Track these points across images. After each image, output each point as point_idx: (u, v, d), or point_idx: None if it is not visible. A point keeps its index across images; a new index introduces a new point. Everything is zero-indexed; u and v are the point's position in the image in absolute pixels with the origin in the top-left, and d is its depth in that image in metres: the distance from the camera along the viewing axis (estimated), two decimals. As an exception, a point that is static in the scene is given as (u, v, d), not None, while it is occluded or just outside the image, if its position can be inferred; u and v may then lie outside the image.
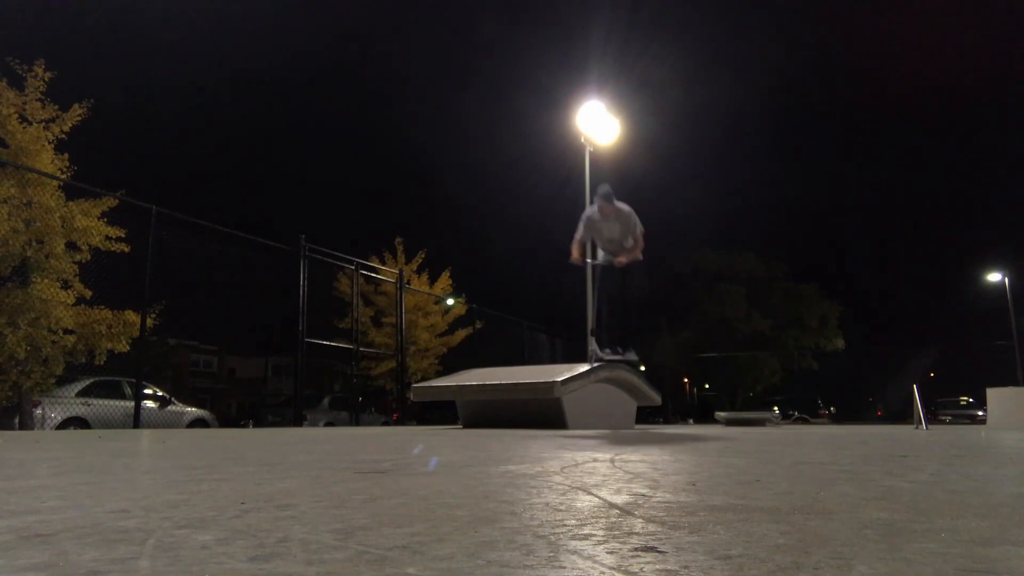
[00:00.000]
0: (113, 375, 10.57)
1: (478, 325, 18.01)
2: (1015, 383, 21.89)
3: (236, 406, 38.03)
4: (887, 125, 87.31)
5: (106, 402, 10.12)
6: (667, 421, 27.98)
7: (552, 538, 0.89)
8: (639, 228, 6.42)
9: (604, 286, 6.66)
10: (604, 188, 6.39)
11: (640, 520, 1.05)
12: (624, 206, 6.39)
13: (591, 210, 6.51)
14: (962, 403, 28.45)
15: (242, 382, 42.79)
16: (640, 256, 6.56)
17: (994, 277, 29.28)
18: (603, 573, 0.71)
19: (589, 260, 6.87)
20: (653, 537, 0.90)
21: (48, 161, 9.57)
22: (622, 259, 6.36)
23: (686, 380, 42.14)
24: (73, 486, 1.52)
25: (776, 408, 23.89)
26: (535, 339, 20.69)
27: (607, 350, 6.57)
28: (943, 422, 24.04)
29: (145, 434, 5.50)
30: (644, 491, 1.43)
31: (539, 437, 4.41)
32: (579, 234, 6.55)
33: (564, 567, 0.73)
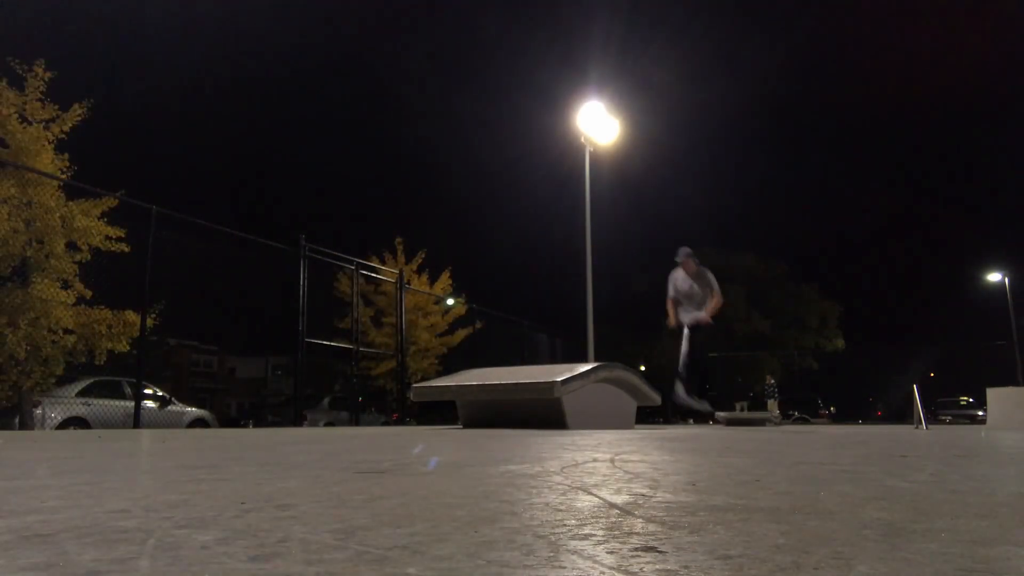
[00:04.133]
0: (113, 375, 10.57)
1: (478, 325, 18.01)
2: (1015, 383, 21.89)
3: (236, 406, 38.04)
4: (888, 124, 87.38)
5: (106, 402, 10.12)
6: (667, 421, 27.96)
7: (552, 538, 0.89)
8: (715, 285, 7.44)
9: (692, 343, 7.49)
10: (685, 250, 7.40)
11: (640, 520, 1.05)
12: (704, 268, 7.50)
13: (674, 271, 7.53)
14: (962, 403, 28.44)
15: (242, 382, 42.81)
16: (711, 319, 7.48)
17: (994, 277, 29.29)
18: (603, 573, 0.71)
19: (682, 316, 7.58)
20: (653, 537, 0.90)
21: (48, 161, 9.57)
22: (704, 317, 7.25)
23: (686, 380, 42.10)
24: (73, 486, 1.52)
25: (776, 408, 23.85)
26: (535, 339, 20.70)
27: (692, 397, 7.40)
28: (943, 422, 24.04)
29: (145, 434, 5.50)
30: (644, 491, 1.43)
31: (539, 437, 4.41)
32: (670, 292, 7.55)
33: (564, 567, 0.73)
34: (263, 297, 12.63)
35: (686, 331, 7.50)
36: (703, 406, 7.61)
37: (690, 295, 7.43)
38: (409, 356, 15.92)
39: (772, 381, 20.77)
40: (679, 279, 7.52)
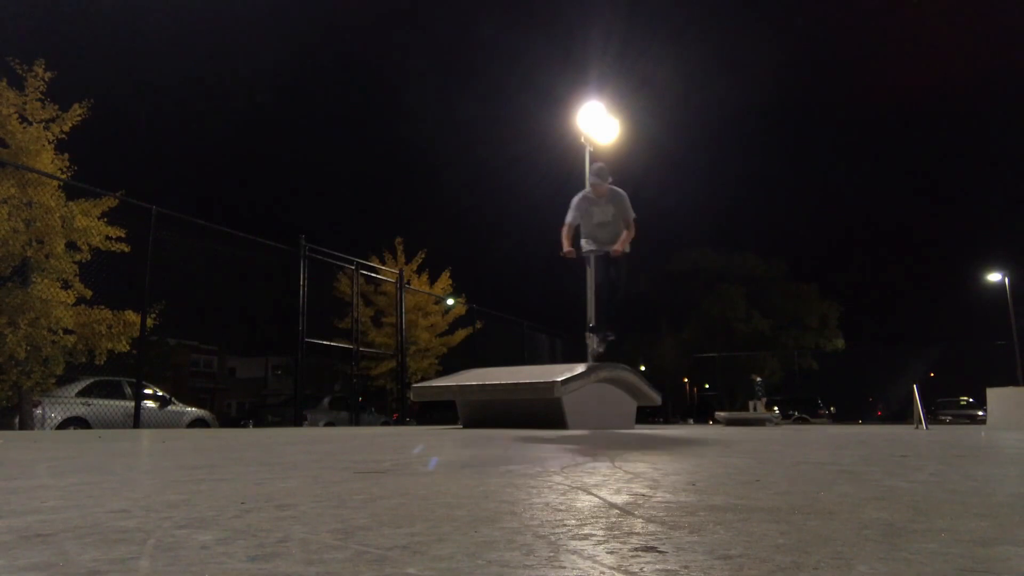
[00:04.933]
0: (113, 375, 10.57)
1: (478, 325, 17.99)
2: (1015, 383, 21.86)
3: (236, 406, 38.05)
4: (888, 124, 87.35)
5: (106, 402, 10.11)
6: (667, 421, 27.96)
7: (552, 538, 0.88)
8: (631, 213, 6.13)
9: (596, 277, 6.36)
10: (597, 165, 6.13)
11: (640, 520, 1.05)
12: (617, 188, 6.17)
13: (582, 193, 6.22)
14: (962, 403, 28.41)
15: (242, 382, 42.83)
16: (627, 248, 6.19)
17: (994, 277, 29.27)
18: (603, 573, 0.71)
19: (586, 253, 6.35)
20: (653, 537, 0.90)
21: (48, 161, 9.57)
22: (618, 248, 6.03)
23: (686, 380, 42.13)
24: (73, 486, 1.52)
25: (776, 408, 23.89)
26: (535, 339, 20.68)
27: (597, 339, 6.36)
28: (943, 422, 24.02)
29: (145, 434, 5.50)
30: (644, 491, 1.43)
31: (539, 437, 4.40)
32: (569, 218, 6.17)
33: (564, 567, 0.73)
34: (263, 297, 12.63)
35: (593, 264, 6.28)
36: (608, 336, 6.49)
37: (602, 223, 6.16)
38: (409, 356, 15.91)
39: (759, 379, 20.63)
40: (587, 203, 6.23)
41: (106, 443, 3.71)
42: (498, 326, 18.91)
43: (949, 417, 26.47)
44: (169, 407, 11.90)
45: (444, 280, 19.19)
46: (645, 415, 13.87)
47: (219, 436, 4.92)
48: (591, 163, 6.41)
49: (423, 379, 14.01)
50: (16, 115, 9.36)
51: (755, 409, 17.54)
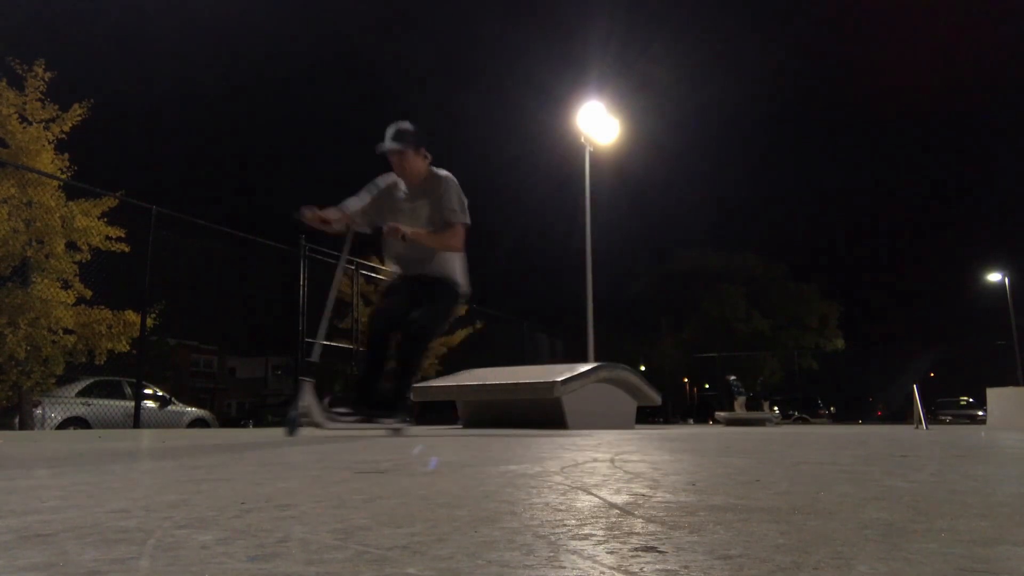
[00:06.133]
0: (113, 375, 10.58)
1: (478, 325, 17.99)
2: (1015, 383, 21.88)
3: (236, 406, 38.06)
4: (888, 124, 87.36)
5: (106, 402, 10.13)
6: (667, 421, 27.99)
7: (552, 538, 0.88)
8: (456, 211, 3.98)
9: (387, 304, 4.24)
10: (400, 125, 4.08)
11: (640, 520, 1.05)
12: (442, 172, 4.08)
13: (384, 178, 4.23)
14: (962, 403, 28.46)
15: (242, 382, 42.86)
16: (456, 246, 4.03)
17: (994, 277, 29.31)
18: (603, 573, 0.71)
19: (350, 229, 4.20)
20: (653, 537, 0.90)
21: (48, 161, 9.59)
22: (405, 232, 3.89)
23: (686, 380, 42.18)
24: (73, 486, 1.52)
25: (776, 408, 23.88)
26: (535, 339, 20.68)
27: (342, 409, 4.04)
28: (943, 422, 24.03)
29: (145, 434, 5.50)
30: (644, 491, 1.43)
31: (539, 437, 4.40)
32: (353, 202, 4.18)
33: (564, 567, 0.73)
34: (263, 297, 12.64)
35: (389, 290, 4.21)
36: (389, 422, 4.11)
37: (413, 213, 4.01)
38: (409, 356, 15.89)
39: (733, 378, 20.39)
40: (390, 192, 4.15)
41: (106, 443, 3.71)
42: (498, 326, 18.92)
43: (949, 417, 26.50)
44: (169, 407, 11.91)
45: (444, 280, 19.19)
46: (645, 415, 13.88)
47: (219, 436, 4.92)
48: (392, 124, 4.16)
49: (423, 379, 14.02)
50: (16, 115, 9.37)
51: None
